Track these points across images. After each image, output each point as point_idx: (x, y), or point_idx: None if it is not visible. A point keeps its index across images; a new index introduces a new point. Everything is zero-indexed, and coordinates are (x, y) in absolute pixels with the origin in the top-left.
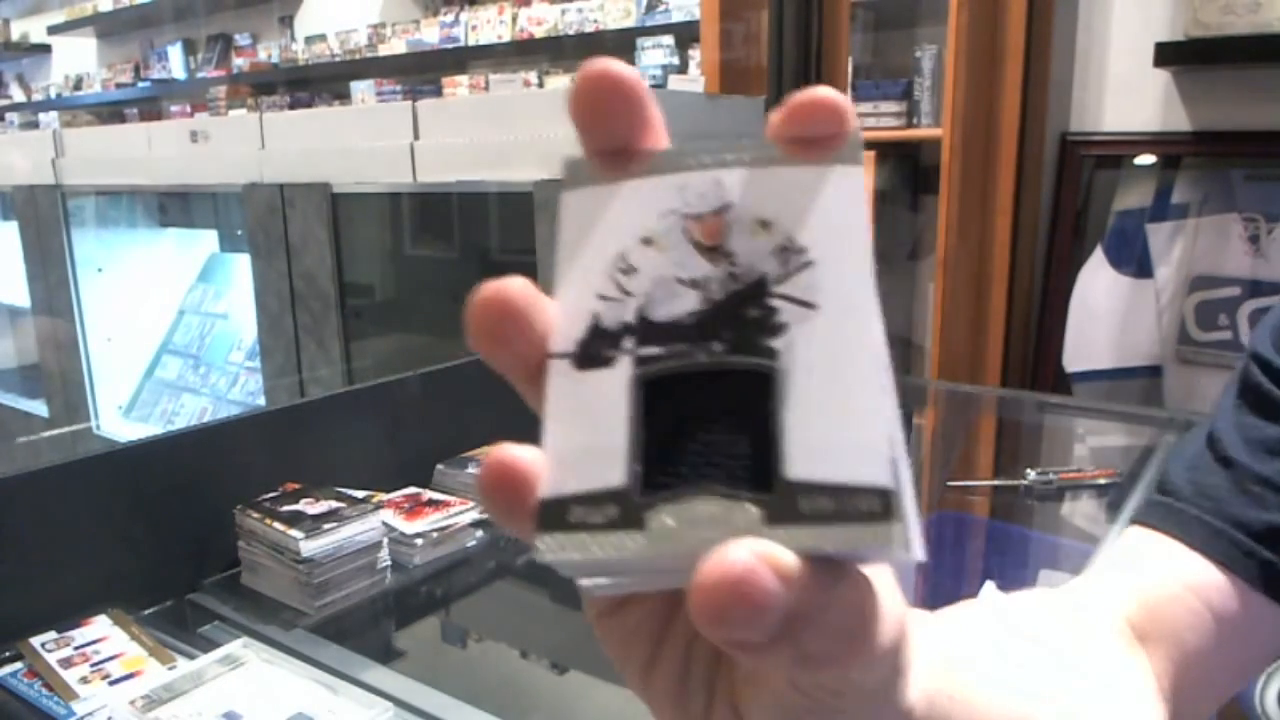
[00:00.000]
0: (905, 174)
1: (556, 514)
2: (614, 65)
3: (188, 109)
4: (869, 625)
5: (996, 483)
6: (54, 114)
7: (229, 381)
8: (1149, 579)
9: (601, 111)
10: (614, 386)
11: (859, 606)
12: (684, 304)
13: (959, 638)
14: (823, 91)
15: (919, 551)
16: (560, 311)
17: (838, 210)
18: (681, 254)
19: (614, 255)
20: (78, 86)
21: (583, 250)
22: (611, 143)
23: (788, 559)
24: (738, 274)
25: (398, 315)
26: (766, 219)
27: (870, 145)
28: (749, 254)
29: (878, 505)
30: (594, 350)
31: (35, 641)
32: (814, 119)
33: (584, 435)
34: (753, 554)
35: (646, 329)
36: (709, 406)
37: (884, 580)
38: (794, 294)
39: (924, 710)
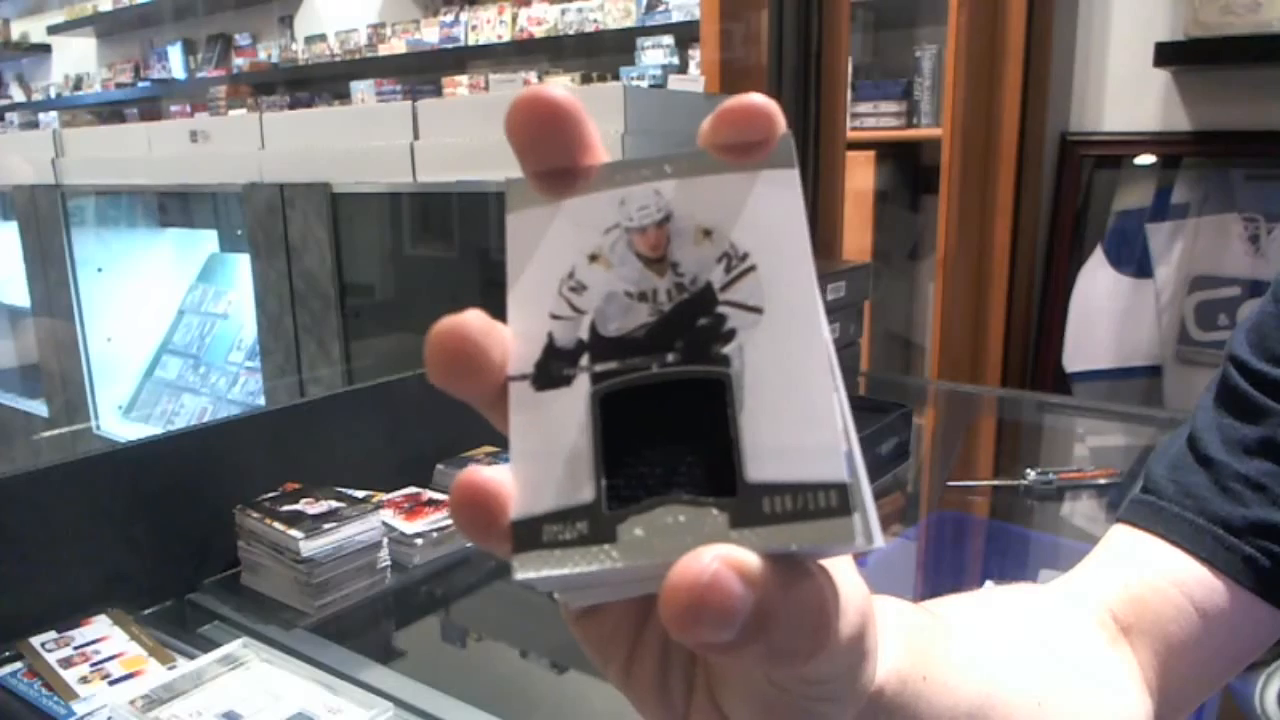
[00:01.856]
0: (905, 174)
1: (530, 533)
2: (549, 90)
3: (188, 109)
4: (832, 618)
5: (996, 483)
6: (54, 114)
7: (229, 381)
8: (1133, 574)
9: (539, 135)
10: (574, 404)
11: (821, 600)
12: (635, 317)
13: (938, 623)
14: (751, 97)
15: (878, 540)
16: (515, 334)
17: (774, 213)
18: (628, 268)
19: (563, 274)
20: (78, 86)
21: (532, 271)
22: (551, 164)
23: (751, 560)
24: (684, 284)
25: (398, 315)
26: (707, 227)
27: (870, 145)
28: (693, 263)
29: (836, 500)
30: (551, 370)
31: (35, 641)
32: (743, 125)
33: (549, 454)
34: (716, 558)
35: (601, 345)
36: (668, 416)
37: (845, 570)
38: (740, 299)
39: (895, 689)
